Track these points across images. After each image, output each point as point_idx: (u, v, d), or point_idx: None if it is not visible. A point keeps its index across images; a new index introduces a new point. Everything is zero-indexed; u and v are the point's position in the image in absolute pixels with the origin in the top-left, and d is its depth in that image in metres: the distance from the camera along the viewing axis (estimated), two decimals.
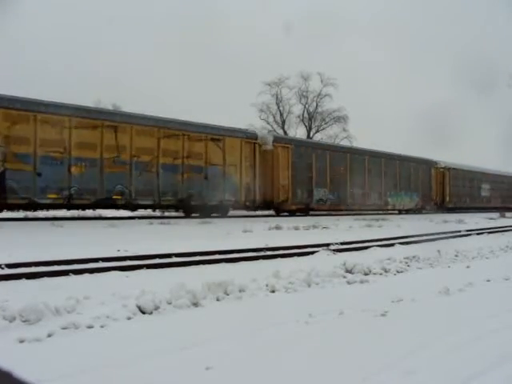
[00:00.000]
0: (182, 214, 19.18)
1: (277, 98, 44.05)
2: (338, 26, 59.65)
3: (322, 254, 8.76)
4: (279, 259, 8.06)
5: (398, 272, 7.10)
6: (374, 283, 6.15)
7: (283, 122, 44.98)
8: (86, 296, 4.53)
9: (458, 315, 4.40)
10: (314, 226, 15.41)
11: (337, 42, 64.88)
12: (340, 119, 44.74)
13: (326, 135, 45.17)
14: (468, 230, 15.05)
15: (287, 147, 22.66)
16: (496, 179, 41.36)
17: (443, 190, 34.21)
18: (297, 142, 25.03)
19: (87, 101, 28.60)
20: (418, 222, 21.84)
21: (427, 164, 33.02)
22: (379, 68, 63.83)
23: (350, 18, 63.66)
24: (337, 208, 25.35)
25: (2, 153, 13.75)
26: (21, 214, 15.83)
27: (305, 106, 45.37)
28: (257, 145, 21.21)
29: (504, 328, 3.84)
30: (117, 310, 4.10)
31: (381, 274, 6.78)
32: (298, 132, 44.59)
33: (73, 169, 15.14)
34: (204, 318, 4.22)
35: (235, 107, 49.19)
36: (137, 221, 16.35)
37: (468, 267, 7.80)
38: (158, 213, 19.84)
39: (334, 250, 9.15)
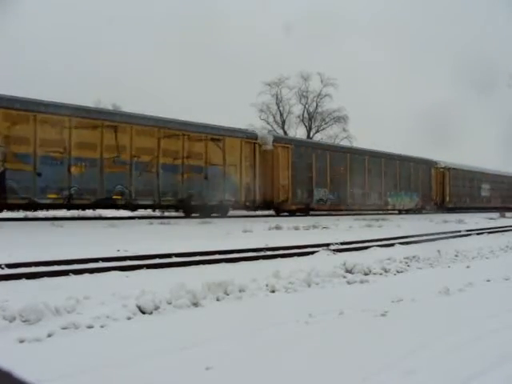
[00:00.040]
0: (182, 214, 19.18)
1: (277, 98, 44.13)
2: (337, 26, 59.75)
3: (322, 254, 8.76)
4: (279, 259, 8.06)
5: (398, 272, 7.10)
6: (373, 283, 6.15)
7: (283, 122, 45.01)
8: (86, 296, 4.53)
9: (458, 315, 4.40)
10: (314, 226, 15.41)
11: (337, 42, 65.00)
12: (340, 119, 44.80)
13: (326, 135, 45.27)
14: (468, 230, 15.05)
15: (287, 147, 22.66)
16: (496, 179, 41.36)
17: (443, 190, 34.21)
18: (297, 142, 25.03)
19: (87, 101, 28.69)
20: (418, 221, 21.84)
21: (427, 164, 33.02)
22: (379, 68, 63.93)
23: (350, 17, 63.73)
24: (337, 208, 25.35)
25: (2, 153, 13.76)
26: (21, 214, 15.83)
27: (305, 106, 45.44)
28: (257, 145, 21.20)
29: (504, 328, 3.84)
30: (117, 310, 4.10)
31: (381, 274, 6.78)
32: (298, 132, 44.69)
33: (73, 169, 15.14)
34: (204, 318, 4.22)
35: (235, 107, 49.32)
36: (137, 221, 16.34)
37: (468, 267, 7.80)
38: (157, 213, 19.84)
39: (334, 250, 9.15)
